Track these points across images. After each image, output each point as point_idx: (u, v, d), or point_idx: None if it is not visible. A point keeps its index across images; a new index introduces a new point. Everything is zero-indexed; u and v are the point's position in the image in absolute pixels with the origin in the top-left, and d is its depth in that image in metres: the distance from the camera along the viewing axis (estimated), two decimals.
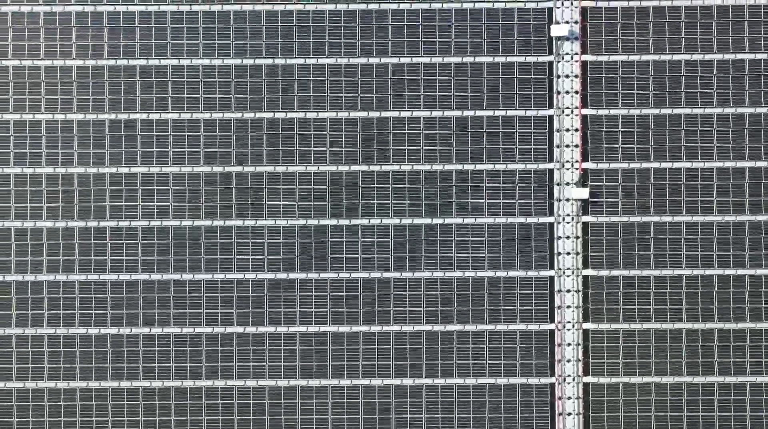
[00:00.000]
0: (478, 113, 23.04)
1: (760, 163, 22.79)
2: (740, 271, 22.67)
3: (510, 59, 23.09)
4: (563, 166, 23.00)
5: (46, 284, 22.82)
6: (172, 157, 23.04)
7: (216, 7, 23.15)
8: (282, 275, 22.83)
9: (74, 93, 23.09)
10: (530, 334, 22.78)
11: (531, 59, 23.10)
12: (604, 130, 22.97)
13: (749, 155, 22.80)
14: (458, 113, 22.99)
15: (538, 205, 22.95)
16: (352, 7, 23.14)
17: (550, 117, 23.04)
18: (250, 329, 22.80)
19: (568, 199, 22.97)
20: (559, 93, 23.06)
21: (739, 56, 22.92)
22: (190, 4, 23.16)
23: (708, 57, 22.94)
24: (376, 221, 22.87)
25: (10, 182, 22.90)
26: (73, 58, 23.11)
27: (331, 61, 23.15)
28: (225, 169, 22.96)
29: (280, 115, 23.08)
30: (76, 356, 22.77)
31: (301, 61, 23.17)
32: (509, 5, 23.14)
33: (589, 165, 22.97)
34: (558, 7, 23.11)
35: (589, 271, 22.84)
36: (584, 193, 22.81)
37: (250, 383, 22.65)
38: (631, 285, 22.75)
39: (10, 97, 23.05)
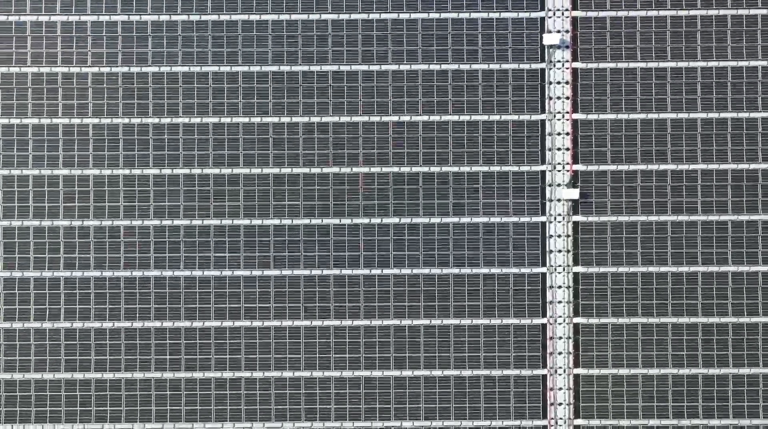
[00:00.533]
0: (474, 118, 24.17)
1: (742, 166, 23.90)
2: (723, 268, 23.77)
3: (504, 66, 24.22)
4: (555, 168, 24.11)
5: (62, 280, 23.97)
6: (183, 160, 24.18)
7: (225, 17, 24.30)
8: (287, 272, 23.97)
9: (90, 98, 24.25)
10: (523, 328, 23.90)
11: (524, 66, 24.23)
12: (593, 134, 24.09)
13: (732, 158, 23.91)
14: (455, 118, 24.13)
15: (531, 205, 24.06)
16: (354, 16, 24.29)
17: (542, 121, 24.17)
18: (257, 323, 23.92)
19: (559, 200, 24.07)
20: (550, 98, 24.18)
21: (722, 64, 24.03)
22: (200, 14, 24.32)
23: (692, 64, 24.06)
24: (376, 220, 24.01)
25: (29, 183, 24.06)
26: (89, 66, 24.27)
27: (334, 68, 24.29)
28: (233, 171, 24.11)
29: (285, 119, 24.23)
30: (91, 349, 23.89)
31: (305, 68, 24.31)
32: (504, 15, 24.28)
33: (580, 167, 24.08)
34: (550, 17, 24.24)
35: (579, 268, 23.94)
36: (575, 193, 23.90)
37: (256, 374, 23.82)
38: (619, 281, 23.85)
39: (29, 103, 24.21)
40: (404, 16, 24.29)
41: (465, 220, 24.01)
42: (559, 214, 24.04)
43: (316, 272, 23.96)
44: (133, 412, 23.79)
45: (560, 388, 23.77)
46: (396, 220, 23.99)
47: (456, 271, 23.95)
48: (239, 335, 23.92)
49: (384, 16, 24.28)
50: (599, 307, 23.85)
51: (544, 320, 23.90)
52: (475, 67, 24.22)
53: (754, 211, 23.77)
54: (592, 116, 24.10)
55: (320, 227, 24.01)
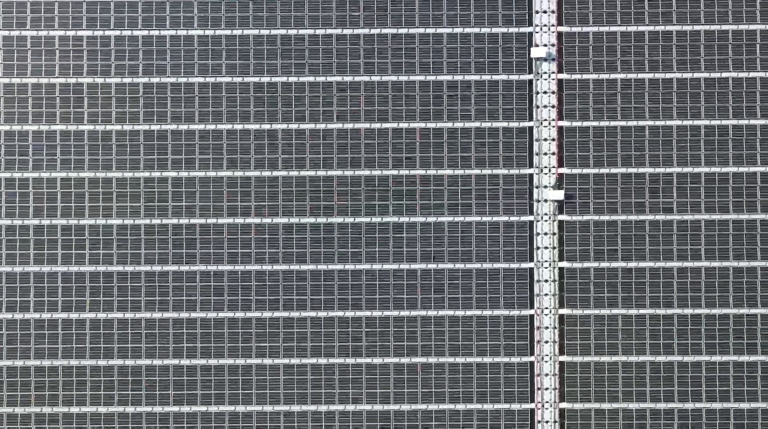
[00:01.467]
0: (467, 125, 26.17)
1: (714, 169, 25.86)
2: (696, 264, 25.73)
3: (495, 77, 26.22)
4: (542, 171, 26.10)
5: (88, 275, 25.97)
6: (199, 163, 26.20)
7: (237, 32, 26.32)
8: (295, 267, 25.97)
9: (113, 107, 26.28)
10: (512, 318, 25.88)
11: (513, 77, 26.23)
12: (577, 140, 26.09)
13: (704, 162, 25.89)
14: (449, 125, 26.14)
15: (520, 205, 26.05)
16: (356, 31, 26.31)
17: (530, 128, 26.16)
18: (267, 314, 25.92)
19: (546, 200, 26.05)
20: (538, 107, 26.17)
21: (696, 75, 26.03)
22: (215, 29, 26.34)
23: (668, 76, 26.06)
24: (377, 219, 26.02)
25: (56, 185, 26.08)
26: (112, 77, 26.30)
27: (338, 79, 26.31)
28: (245, 174, 26.13)
29: (293, 126, 26.24)
30: (114, 338, 25.91)
31: (311, 78, 26.33)
32: (495, 30, 26.29)
33: (565, 170, 26.08)
34: (537, 32, 26.26)
35: (564, 264, 25.91)
36: (560, 194, 25.86)
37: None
38: (601, 275, 25.81)
39: (57, 110, 26.25)
40: (402, 30, 26.30)
41: (459, 219, 26.00)
42: (546, 214, 25.99)
43: (321, 267, 25.95)
44: (153, 396, 25.76)
45: (546, 374, 25.70)
46: (395, 219, 25.98)
47: (450, 266, 25.93)
48: (250, 325, 25.87)
49: (384, 31, 26.28)
50: (582, 300, 25.78)
51: (531, 311, 25.85)
52: (468, 77, 26.22)
53: (725, 211, 25.74)
54: (576, 123, 26.06)
55: (325, 225, 26.00)
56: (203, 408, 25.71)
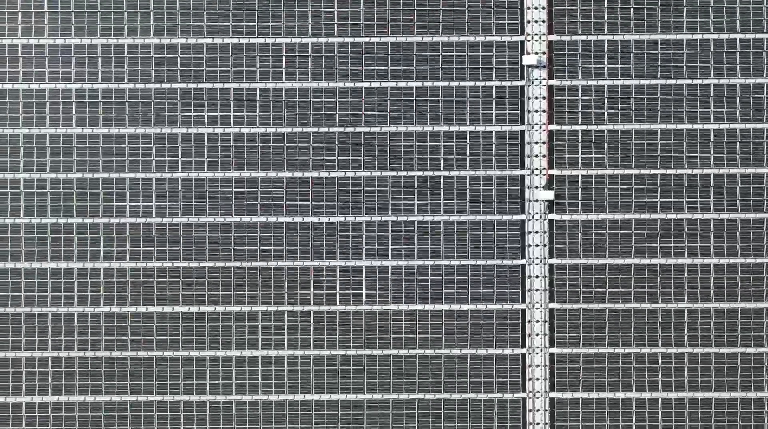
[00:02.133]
0: (462, 128, 27.58)
1: (696, 171, 27.27)
2: (679, 261, 27.13)
3: (489, 84, 27.63)
4: (533, 172, 27.50)
5: (102, 271, 27.32)
6: (208, 164, 27.59)
7: (244, 41, 27.70)
8: (299, 263, 27.35)
9: (126, 111, 27.66)
10: (505, 312, 27.26)
11: (506, 84, 27.64)
12: (566, 143, 27.48)
13: (687, 164, 27.30)
14: (445, 128, 27.54)
15: (512, 205, 27.44)
16: (357, 40, 27.72)
17: (522, 132, 27.57)
18: (272, 308, 27.30)
19: (536, 200, 27.44)
20: (529, 112, 27.56)
21: (679, 82, 27.44)
22: (222, 38, 27.72)
23: (653, 82, 27.47)
24: (377, 218, 27.42)
25: (73, 185, 27.43)
26: (126, 83, 27.69)
27: (340, 85, 27.71)
28: (251, 175, 27.52)
29: (297, 129, 27.64)
30: (127, 330, 27.26)
31: (314, 84, 27.73)
32: (488, 39, 27.69)
33: (554, 172, 27.48)
34: (528, 41, 27.66)
35: (554, 260, 27.30)
36: (550, 195, 27.24)
37: (271, 353, 27.21)
38: (589, 271, 27.21)
39: (74, 115, 27.61)
40: (401, 39, 27.69)
41: (454, 218, 27.40)
42: (537, 213, 27.38)
43: (324, 264, 27.34)
44: (164, 386, 27.11)
45: (537, 365, 27.08)
46: (394, 218, 27.38)
47: (446, 262, 27.32)
48: (256, 320, 27.26)
49: (384, 39, 27.68)
50: (571, 294, 27.17)
51: (523, 306, 27.24)
52: (463, 84, 27.63)
53: (707, 210, 27.14)
54: (566, 127, 27.46)
55: (328, 224, 27.40)
56: (211, 397, 27.06)
